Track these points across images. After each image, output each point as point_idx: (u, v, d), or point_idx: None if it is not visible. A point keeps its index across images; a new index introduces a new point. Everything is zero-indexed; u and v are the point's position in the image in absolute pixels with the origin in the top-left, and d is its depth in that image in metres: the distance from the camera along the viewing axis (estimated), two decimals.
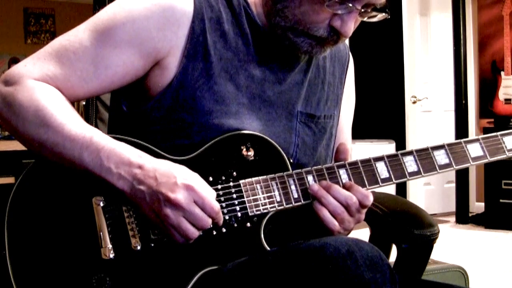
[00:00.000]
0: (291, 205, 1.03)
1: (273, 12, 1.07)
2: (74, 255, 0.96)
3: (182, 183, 0.92)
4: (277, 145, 1.05)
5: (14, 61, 6.44)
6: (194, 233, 0.93)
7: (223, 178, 1.02)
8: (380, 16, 1.06)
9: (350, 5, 1.00)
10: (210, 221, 0.94)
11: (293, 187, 1.03)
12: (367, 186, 1.05)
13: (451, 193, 5.31)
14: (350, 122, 1.33)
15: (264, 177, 1.03)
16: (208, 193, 0.94)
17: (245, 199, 1.01)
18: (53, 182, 1.01)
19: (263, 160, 1.04)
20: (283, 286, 0.87)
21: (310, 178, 1.04)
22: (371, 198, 1.03)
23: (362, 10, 1.02)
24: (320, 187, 1.02)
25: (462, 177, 5.11)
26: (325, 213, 1.01)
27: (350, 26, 1.03)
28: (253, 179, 1.02)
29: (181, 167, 0.95)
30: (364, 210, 1.04)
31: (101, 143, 0.95)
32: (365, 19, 1.07)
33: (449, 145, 1.09)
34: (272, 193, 1.02)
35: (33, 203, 0.98)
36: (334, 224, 1.01)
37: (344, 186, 1.03)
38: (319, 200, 1.02)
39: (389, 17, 1.06)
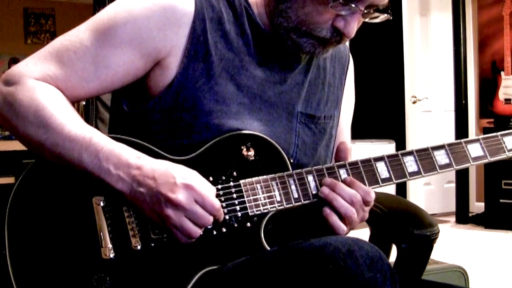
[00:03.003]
0: (291, 205, 1.03)
1: (275, 12, 1.07)
2: (74, 254, 0.96)
3: (181, 182, 0.92)
4: (277, 145, 1.05)
5: (14, 61, 6.43)
6: (196, 231, 0.93)
7: (223, 178, 1.02)
8: (383, 17, 1.06)
9: (354, 6, 1.01)
10: (211, 218, 0.94)
11: (293, 187, 1.03)
12: (367, 186, 1.05)
13: (451, 193, 5.31)
14: (350, 123, 1.33)
15: (264, 177, 1.03)
16: (208, 191, 0.94)
17: (245, 199, 1.01)
18: (53, 182, 1.01)
19: (263, 160, 1.04)
20: (283, 286, 0.88)
21: (310, 178, 1.04)
22: (372, 195, 1.03)
23: (365, 11, 1.03)
24: (331, 191, 1.02)
25: (462, 177, 5.12)
26: (335, 219, 1.01)
27: (353, 27, 1.03)
28: (253, 179, 1.02)
29: (179, 166, 0.95)
30: (368, 208, 1.04)
31: (100, 144, 0.95)
32: (367, 19, 1.07)
33: (449, 145, 1.09)
34: (272, 193, 1.02)
35: (33, 203, 0.99)
36: (344, 230, 1.02)
37: (345, 182, 1.03)
38: (330, 202, 1.02)
39: (391, 18, 1.06)
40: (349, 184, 1.03)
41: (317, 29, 1.04)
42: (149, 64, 1.04)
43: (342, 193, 1.02)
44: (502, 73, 5.25)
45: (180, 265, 0.97)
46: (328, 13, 1.02)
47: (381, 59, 6.02)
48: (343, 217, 1.02)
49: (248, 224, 1.01)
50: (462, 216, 5.12)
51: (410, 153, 1.07)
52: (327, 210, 1.02)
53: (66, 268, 0.95)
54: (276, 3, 1.06)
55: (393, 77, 5.79)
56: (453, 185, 5.26)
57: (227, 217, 1.00)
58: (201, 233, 0.95)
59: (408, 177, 1.06)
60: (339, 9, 1.01)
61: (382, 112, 6.11)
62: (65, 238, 0.96)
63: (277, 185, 1.03)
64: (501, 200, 4.76)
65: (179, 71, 1.04)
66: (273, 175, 1.03)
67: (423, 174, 1.06)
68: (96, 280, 0.94)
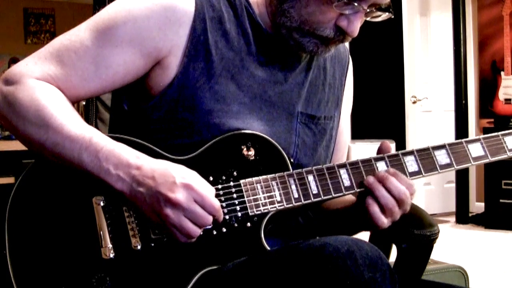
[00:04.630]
0: (291, 205, 1.02)
1: (278, 12, 1.07)
2: (75, 254, 0.96)
3: (180, 182, 0.92)
4: (277, 145, 1.05)
5: (14, 61, 6.44)
6: (196, 231, 0.93)
7: (224, 177, 1.02)
8: (384, 16, 1.07)
9: (357, 5, 1.01)
10: (211, 218, 0.94)
11: (293, 186, 1.03)
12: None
13: (451, 193, 5.31)
14: (349, 124, 1.33)
15: (265, 176, 1.03)
16: (207, 191, 0.94)
17: (246, 198, 1.01)
18: (53, 182, 1.01)
19: (264, 160, 1.04)
20: (283, 286, 0.88)
21: (310, 177, 1.04)
22: (415, 188, 1.02)
23: (368, 10, 1.03)
24: (375, 180, 1.02)
25: (462, 177, 5.11)
26: (375, 209, 1.01)
27: (357, 26, 1.04)
28: (254, 178, 1.02)
29: (178, 166, 0.95)
30: (410, 201, 1.03)
31: (100, 144, 0.95)
32: (369, 18, 1.07)
33: (450, 145, 1.08)
34: (273, 193, 1.02)
35: (33, 203, 0.99)
36: (383, 221, 1.01)
37: (388, 173, 1.02)
38: (373, 191, 1.01)
39: (393, 16, 1.06)
40: (393, 176, 1.02)
41: (320, 28, 1.04)
42: (149, 64, 1.04)
43: (391, 187, 1.01)
44: (502, 73, 5.25)
45: (180, 265, 0.97)
46: (331, 12, 1.02)
47: (381, 59, 6.02)
48: (383, 208, 1.01)
49: (248, 224, 1.01)
50: (462, 216, 5.12)
51: (410, 152, 1.07)
52: (369, 200, 1.01)
53: (66, 268, 0.95)
54: (279, 3, 1.06)
55: (393, 77, 5.78)
56: (453, 185, 5.25)
57: (227, 217, 1.00)
58: (201, 233, 0.95)
59: (408, 177, 1.06)
60: (342, 8, 1.02)
61: (382, 112, 6.10)
62: (65, 238, 0.96)
63: (277, 185, 1.03)
64: (501, 200, 4.76)
65: (180, 71, 1.04)
66: (273, 175, 1.03)
67: (423, 174, 1.06)
68: (96, 280, 0.94)
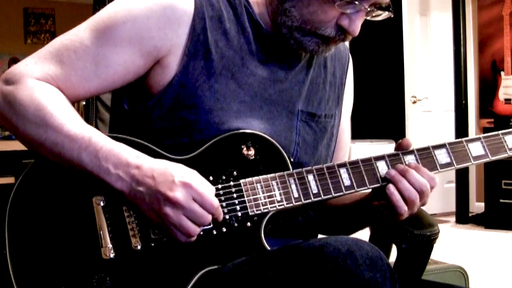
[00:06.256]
0: (291, 204, 1.02)
1: (279, 11, 1.07)
2: (75, 254, 0.96)
3: (180, 181, 0.92)
4: (277, 144, 1.05)
5: (14, 61, 6.44)
6: (195, 230, 0.93)
7: (224, 177, 1.02)
8: (385, 15, 1.07)
9: (358, 4, 1.01)
10: (210, 217, 0.94)
11: (293, 186, 1.03)
12: (368, 186, 1.05)
13: (451, 193, 5.31)
14: (349, 122, 1.33)
15: (265, 176, 1.03)
16: (207, 190, 0.94)
17: (246, 198, 1.01)
18: (53, 182, 1.01)
19: (264, 159, 1.04)
20: (283, 286, 0.88)
21: (310, 177, 1.04)
22: (437, 180, 1.03)
23: (369, 9, 1.03)
24: (397, 173, 1.03)
25: (462, 177, 5.12)
26: (398, 198, 1.02)
27: (358, 25, 1.04)
28: (254, 178, 1.02)
29: (178, 165, 0.95)
30: (429, 193, 1.04)
31: (100, 144, 0.95)
32: (369, 17, 1.07)
33: (450, 144, 1.08)
34: (273, 193, 1.02)
35: (33, 203, 0.99)
36: (405, 210, 1.02)
37: (409, 166, 1.03)
38: (395, 184, 1.02)
39: (393, 16, 1.06)
40: (414, 169, 1.03)
41: (322, 27, 1.04)
42: (149, 63, 1.04)
43: (413, 180, 1.02)
44: (502, 73, 5.26)
45: (180, 265, 0.97)
46: (333, 12, 1.03)
47: (381, 59, 6.02)
48: (406, 201, 1.02)
49: (248, 224, 1.01)
50: (462, 216, 5.12)
51: (411, 152, 1.07)
52: (391, 188, 1.02)
53: (66, 268, 0.95)
54: (280, 2, 1.06)
55: (393, 77, 5.79)
56: (453, 185, 5.26)
57: (227, 216, 1.00)
58: (200, 232, 0.95)
59: None
60: (344, 7, 1.02)
61: (382, 112, 6.11)
62: (65, 238, 0.97)
63: (277, 184, 1.03)
64: (501, 200, 4.76)
65: (179, 70, 1.04)
66: (273, 174, 1.03)
67: None
68: (96, 280, 0.94)
